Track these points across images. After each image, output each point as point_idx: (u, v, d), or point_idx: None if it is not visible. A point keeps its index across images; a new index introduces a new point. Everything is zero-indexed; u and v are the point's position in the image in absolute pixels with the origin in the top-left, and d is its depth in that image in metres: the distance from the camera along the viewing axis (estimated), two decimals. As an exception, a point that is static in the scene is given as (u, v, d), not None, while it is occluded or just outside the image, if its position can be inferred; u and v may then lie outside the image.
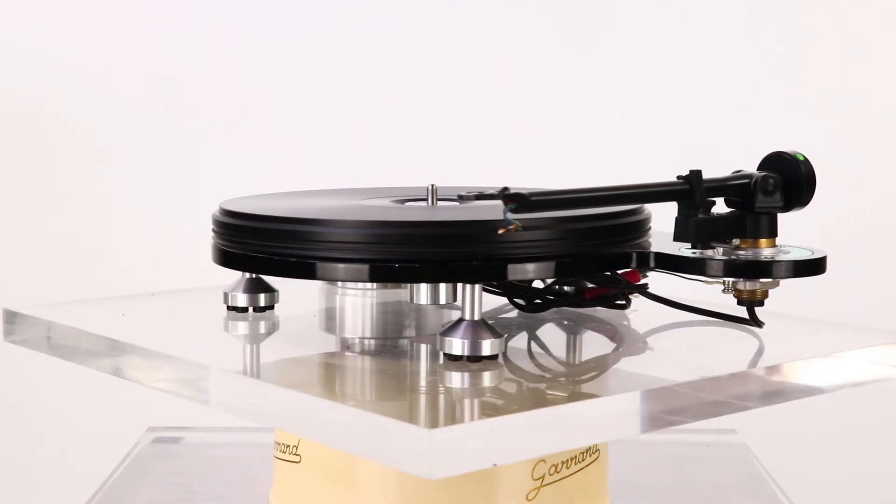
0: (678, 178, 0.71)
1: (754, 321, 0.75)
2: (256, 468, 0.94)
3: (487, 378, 0.66)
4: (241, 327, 0.79)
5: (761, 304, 0.74)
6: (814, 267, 0.71)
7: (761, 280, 0.72)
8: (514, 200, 0.63)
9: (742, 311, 0.75)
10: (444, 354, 0.67)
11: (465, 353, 0.67)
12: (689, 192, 0.71)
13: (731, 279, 0.72)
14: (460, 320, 0.67)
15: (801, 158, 0.73)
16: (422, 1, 1.35)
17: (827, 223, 1.33)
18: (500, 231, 0.64)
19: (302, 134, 1.35)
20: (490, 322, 0.68)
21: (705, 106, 1.35)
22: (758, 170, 0.74)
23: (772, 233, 0.73)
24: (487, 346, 0.67)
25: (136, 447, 1.05)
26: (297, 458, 0.75)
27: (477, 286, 0.67)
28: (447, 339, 0.67)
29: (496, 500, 0.71)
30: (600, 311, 0.84)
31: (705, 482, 0.98)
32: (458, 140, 1.35)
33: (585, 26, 1.35)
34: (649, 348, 0.78)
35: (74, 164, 1.35)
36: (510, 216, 0.63)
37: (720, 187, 0.73)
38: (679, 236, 0.72)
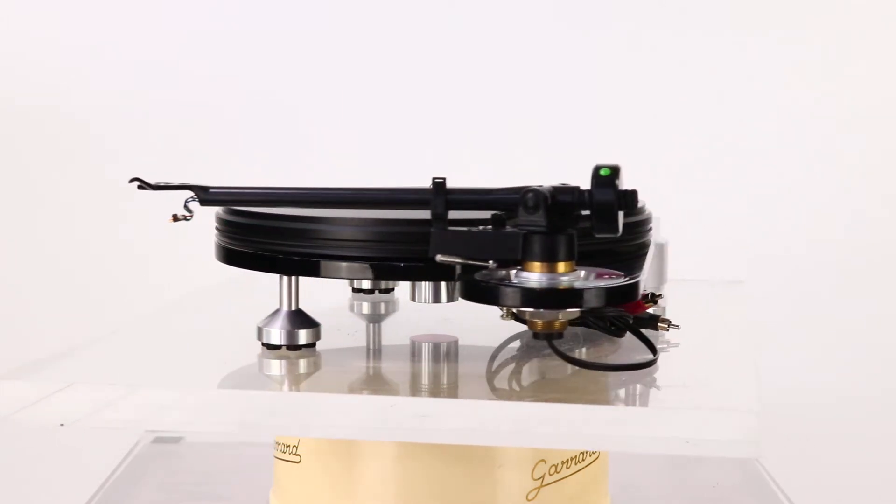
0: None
1: (568, 360, 0.64)
2: (256, 468, 0.94)
3: (303, 366, 0.68)
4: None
5: (560, 336, 0.64)
6: (626, 294, 0.62)
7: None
8: (196, 192, 0.67)
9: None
10: (263, 344, 0.69)
11: (283, 343, 0.68)
12: (429, 201, 0.64)
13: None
14: (278, 310, 0.69)
15: (605, 174, 0.63)
16: (422, 1, 1.35)
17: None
18: (170, 220, 0.68)
19: (303, 133, 1.35)
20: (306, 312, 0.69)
21: (708, 106, 1.34)
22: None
23: (569, 255, 0.62)
24: (304, 336, 0.68)
25: (136, 447, 1.05)
26: (297, 458, 0.75)
27: (293, 277, 0.68)
28: (265, 329, 0.68)
29: (496, 500, 0.71)
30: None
31: (705, 482, 0.99)
32: (458, 140, 1.35)
33: (586, 25, 1.35)
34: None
35: (75, 164, 1.35)
36: (190, 205, 0.67)
37: (477, 199, 0.65)
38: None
